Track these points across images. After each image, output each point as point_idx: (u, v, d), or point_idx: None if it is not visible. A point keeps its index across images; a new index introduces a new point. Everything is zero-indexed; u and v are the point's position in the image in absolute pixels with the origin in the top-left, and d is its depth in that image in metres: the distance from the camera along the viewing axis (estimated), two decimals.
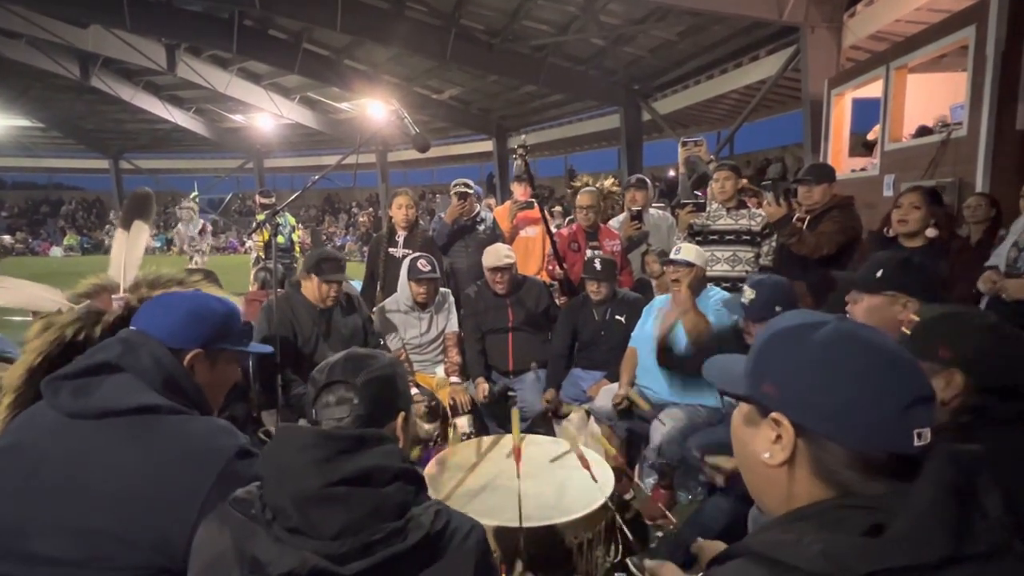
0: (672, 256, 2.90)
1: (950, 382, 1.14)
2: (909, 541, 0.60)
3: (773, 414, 0.72)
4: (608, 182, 5.21)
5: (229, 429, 1.14)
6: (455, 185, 4.03)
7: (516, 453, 2.00)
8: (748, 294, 2.39)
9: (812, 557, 0.61)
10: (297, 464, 0.94)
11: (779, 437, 0.72)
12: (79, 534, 0.99)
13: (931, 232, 2.92)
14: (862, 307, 1.75)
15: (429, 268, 3.15)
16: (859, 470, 0.68)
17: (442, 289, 3.40)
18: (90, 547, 0.98)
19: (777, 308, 2.27)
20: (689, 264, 2.81)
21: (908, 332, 1.24)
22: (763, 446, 0.74)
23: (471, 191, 4.00)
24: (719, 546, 1.17)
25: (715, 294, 2.94)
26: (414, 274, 3.16)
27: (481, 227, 4.03)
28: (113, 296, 1.40)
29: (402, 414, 1.15)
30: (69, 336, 1.31)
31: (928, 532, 0.60)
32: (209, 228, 9.17)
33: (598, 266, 3.23)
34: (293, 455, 0.95)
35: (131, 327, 1.22)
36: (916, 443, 0.66)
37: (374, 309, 3.39)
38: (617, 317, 3.27)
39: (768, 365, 0.74)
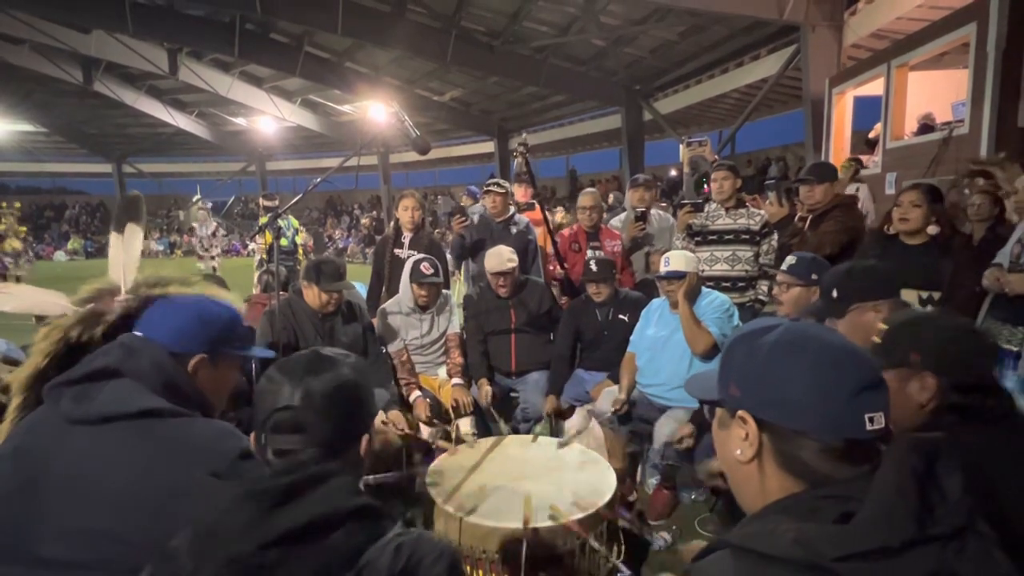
0: (662, 269, 2.89)
1: (923, 386, 1.17)
2: (875, 526, 0.63)
3: (739, 412, 0.78)
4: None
5: (232, 431, 1.15)
6: (486, 185, 4.03)
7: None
8: (789, 260, 2.50)
9: (785, 545, 0.65)
10: (225, 526, 0.80)
11: (747, 435, 0.78)
12: (84, 537, 1.00)
13: (932, 229, 2.92)
14: (840, 331, 1.77)
15: (432, 271, 3.16)
16: (822, 459, 0.72)
17: (444, 291, 3.41)
18: (95, 550, 0.99)
19: (813, 276, 2.35)
20: (681, 275, 2.81)
21: (879, 340, 1.27)
22: (735, 444, 0.80)
23: (506, 191, 3.94)
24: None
25: (713, 299, 2.93)
26: (416, 277, 3.16)
27: (514, 229, 3.96)
28: (116, 298, 1.41)
29: (365, 437, 1.02)
30: (74, 337, 1.32)
31: (892, 517, 0.64)
32: (221, 231, 9.22)
33: (594, 267, 3.23)
34: (219, 516, 0.81)
35: (135, 331, 1.23)
36: (869, 427, 0.71)
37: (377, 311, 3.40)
38: (620, 317, 3.27)
39: (731, 368, 0.82)
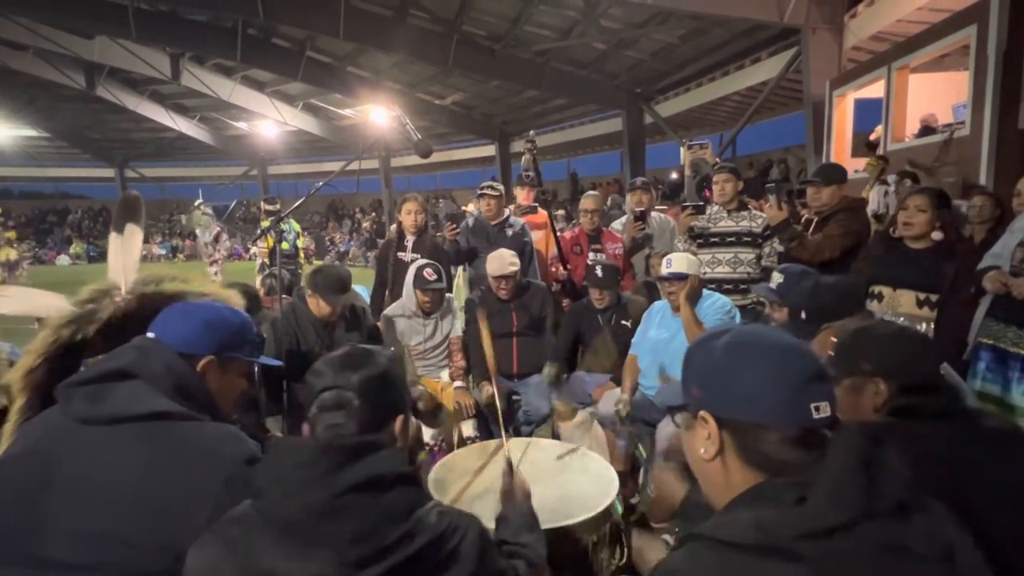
0: (664, 270, 2.88)
1: (877, 391, 1.23)
2: (827, 506, 0.69)
3: (700, 413, 0.84)
4: None
5: (238, 436, 1.16)
6: (480, 188, 4.03)
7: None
8: (776, 278, 2.42)
9: (745, 531, 0.71)
10: (300, 478, 0.94)
11: (709, 434, 0.83)
12: (90, 538, 1.00)
13: (937, 235, 2.91)
14: (814, 349, 1.78)
15: (435, 277, 3.15)
16: (779, 449, 0.78)
17: (447, 295, 3.41)
18: (101, 551, 1.00)
19: None
20: (683, 276, 2.81)
21: (832, 353, 1.35)
22: (699, 443, 0.85)
23: (500, 193, 3.95)
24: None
25: (715, 301, 2.92)
26: (420, 283, 3.15)
27: (509, 232, 3.94)
28: (115, 299, 1.41)
29: (400, 416, 1.15)
30: (65, 336, 1.32)
31: (841, 496, 0.69)
32: (224, 236, 9.16)
33: (600, 273, 3.21)
34: (294, 471, 0.95)
35: (148, 334, 1.24)
36: (816, 415, 0.78)
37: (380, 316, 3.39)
38: (623, 322, 3.26)
39: (691, 372, 0.88)
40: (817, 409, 0.78)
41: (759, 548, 0.68)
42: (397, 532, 0.93)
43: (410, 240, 3.81)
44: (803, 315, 1.83)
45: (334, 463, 0.95)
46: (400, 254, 3.81)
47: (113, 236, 1.59)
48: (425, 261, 3.26)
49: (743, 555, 0.69)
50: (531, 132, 3.74)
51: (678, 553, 0.78)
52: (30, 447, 1.11)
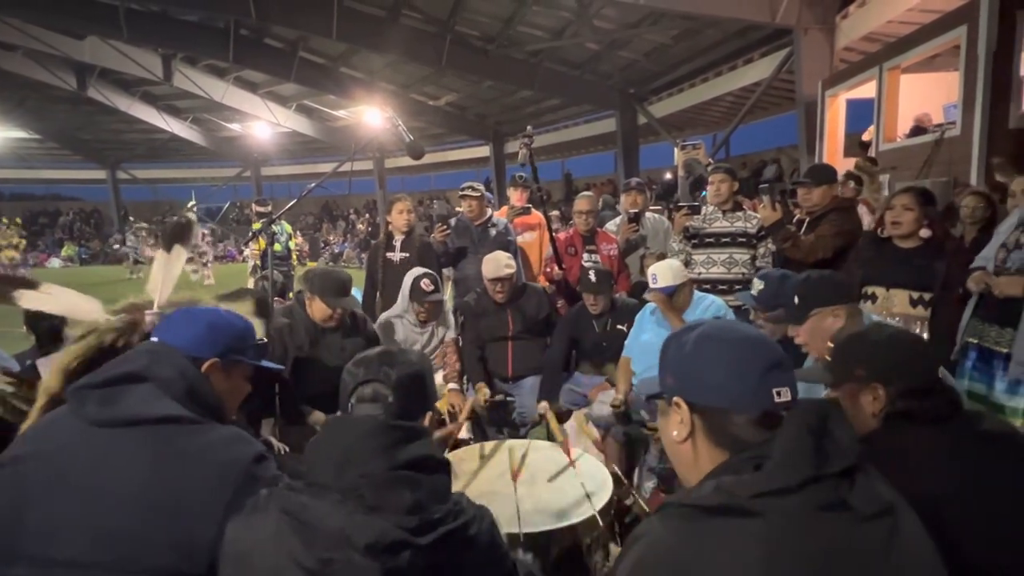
0: (651, 286, 2.85)
1: (875, 396, 1.25)
2: (778, 470, 0.78)
3: (674, 399, 0.93)
4: None
5: (246, 437, 1.20)
6: (461, 189, 4.03)
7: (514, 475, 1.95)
8: (757, 285, 2.41)
9: (707, 494, 0.80)
10: (363, 449, 1.02)
11: (681, 418, 0.92)
12: (103, 537, 1.02)
13: (924, 233, 2.93)
14: (802, 337, 1.84)
15: (432, 288, 3.12)
16: (744, 430, 0.86)
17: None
18: (114, 550, 1.02)
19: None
20: (671, 290, 2.78)
21: (828, 359, 1.37)
22: (673, 427, 0.93)
23: (480, 194, 3.96)
24: None
25: (708, 305, 2.90)
26: (418, 296, 3.11)
27: (493, 232, 3.94)
28: (147, 312, 1.46)
29: (429, 414, 1.23)
30: (108, 342, 1.37)
31: (792, 461, 0.79)
32: (208, 237, 9.11)
33: (593, 278, 3.17)
34: (358, 441, 1.04)
35: (152, 338, 1.27)
36: (777, 400, 0.86)
37: (376, 322, 3.36)
38: (619, 327, 3.24)
39: (666, 362, 0.97)
40: (779, 394, 0.86)
41: (720, 507, 0.77)
42: (443, 509, 1.03)
43: (398, 240, 3.80)
44: (796, 300, 1.85)
45: (395, 439, 1.04)
46: (388, 254, 3.79)
47: (160, 253, 1.64)
48: (421, 271, 3.22)
49: (706, 514, 0.78)
50: (528, 127, 3.72)
51: (651, 519, 0.85)
52: (41, 449, 1.12)
